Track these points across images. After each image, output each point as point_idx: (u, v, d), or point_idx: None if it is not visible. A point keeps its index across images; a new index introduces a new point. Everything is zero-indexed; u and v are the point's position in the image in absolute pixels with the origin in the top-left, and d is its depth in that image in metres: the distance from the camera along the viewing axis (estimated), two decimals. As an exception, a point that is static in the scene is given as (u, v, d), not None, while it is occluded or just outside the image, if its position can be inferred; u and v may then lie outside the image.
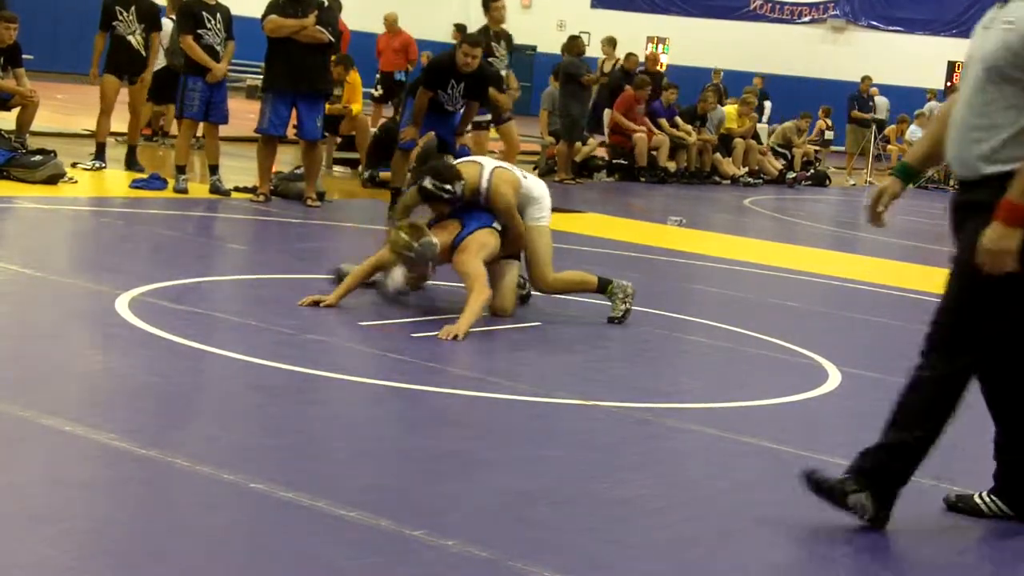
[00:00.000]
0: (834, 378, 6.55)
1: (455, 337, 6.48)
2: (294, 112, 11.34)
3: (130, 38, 12.37)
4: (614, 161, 18.25)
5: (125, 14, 12.32)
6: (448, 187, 7.20)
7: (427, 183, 7.24)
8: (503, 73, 13.28)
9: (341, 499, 4.00)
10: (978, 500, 4.55)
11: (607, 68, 19.85)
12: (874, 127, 24.14)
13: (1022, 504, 4.50)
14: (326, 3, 11.26)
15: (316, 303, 6.88)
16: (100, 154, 12.51)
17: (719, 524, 4.28)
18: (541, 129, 18.43)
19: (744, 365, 6.92)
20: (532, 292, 7.72)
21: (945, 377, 4.25)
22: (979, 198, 4.11)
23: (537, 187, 7.63)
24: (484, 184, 7.35)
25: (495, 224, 7.28)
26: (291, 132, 11.74)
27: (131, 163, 12.53)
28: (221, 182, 11.58)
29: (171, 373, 5.46)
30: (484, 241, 7.13)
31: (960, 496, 4.59)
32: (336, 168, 15.36)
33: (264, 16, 11.18)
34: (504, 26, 13.75)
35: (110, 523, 3.73)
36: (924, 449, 4.31)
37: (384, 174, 13.19)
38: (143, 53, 12.47)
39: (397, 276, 7.10)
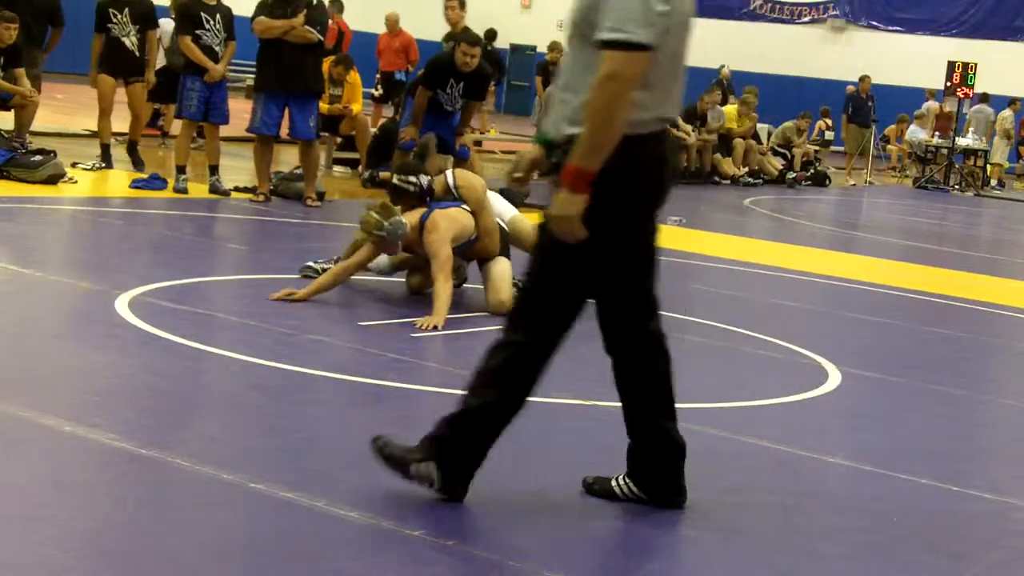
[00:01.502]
0: (834, 378, 6.55)
1: (435, 328, 6.65)
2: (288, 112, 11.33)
3: (124, 39, 12.34)
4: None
5: (119, 16, 12.31)
6: (412, 179, 7.40)
7: (393, 179, 7.57)
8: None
9: (341, 499, 4.00)
10: (614, 484, 4.35)
11: None
12: (874, 127, 24.16)
13: (652, 487, 4.31)
14: (315, 2, 11.26)
15: (288, 296, 6.98)
16: (105, 156, 12.52)
17: (719, 524, 4.28)
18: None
19: (744, 365, 6.92)
20: None
21: (525, 344, 4.11)
22: (562, 161, 3.95)
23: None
24: (451, 180, 7.59)
25: (465, 207, 7.40)
26: (286, 133, 11.73)
27: (133, 157, 12.51)
28: (221, 182, 11.58)
29: (171, 373, 5.45)
30: (454, 216, 7.25)
31: (597, 479, 4.38)
32: (336, 168, 15.35)
33: (253, 17, 11.19)
34: (463, 28, 12.88)
35: (110, 523, 3.73)
36: (499, 417, 4.10)
37: (384, 174, 13.18)
38: (137, 54, 12.44)
39: (383, 260, 7.56)
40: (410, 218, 7.16)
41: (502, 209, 7.81)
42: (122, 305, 6.47)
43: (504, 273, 7.40)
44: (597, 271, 4.05)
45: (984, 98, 25.41)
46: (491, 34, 23.61)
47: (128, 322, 6.17)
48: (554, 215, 3.88)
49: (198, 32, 11.38)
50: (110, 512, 3.84)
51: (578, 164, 3.80)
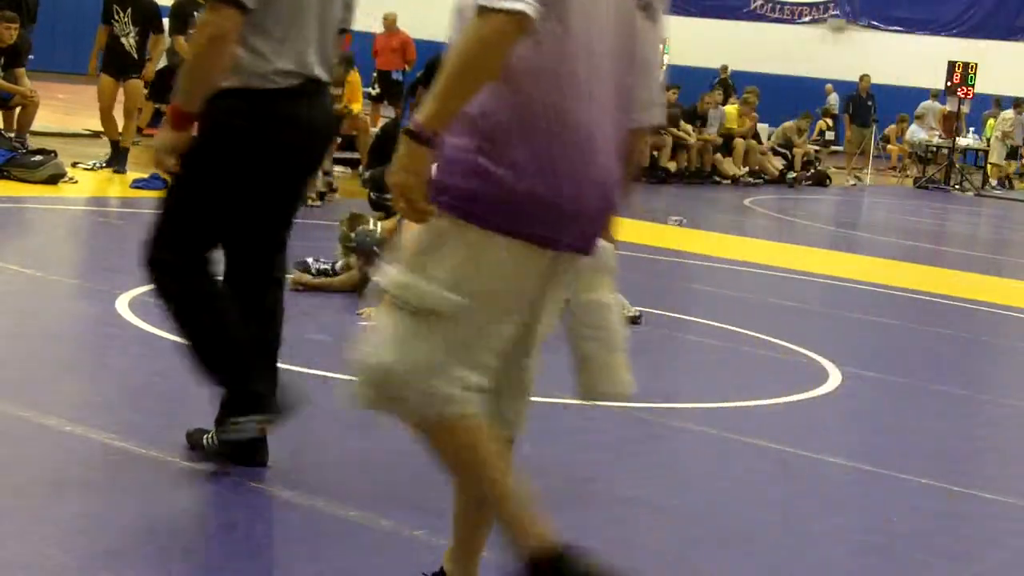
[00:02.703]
0: (834, 378, 6.55)
1: None
2: None
3: (123, 39, 12.24)
4: (614, 161, 18.27)
5: (121, 14, 12.22)
6: (388, 195, 7.45)
7: (371, 195, 7.60)
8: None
9: (341, 499, 4.00)
10: (204, 439, 4.31)
11: None
12: (874, 127, 24.15)
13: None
14: None
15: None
16: (115, 151, 12.38)
17: (719, 524, 4.28)
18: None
19: (744, 365, 6.92)
20: None
21: (171, 277, 4.15)
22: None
23: None
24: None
25: None
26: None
27: (119, 164, 12.36)
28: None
29: (171, 373, 5.44)
30: None
31: (196, 430, 4.35)
32: (336, 168, 15.33)
33: None
34: None
35: (110, 523, 3.73)
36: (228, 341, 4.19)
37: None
38: (135, 55, 12.29)
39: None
40: (388, 222, 7.32)
41: None
42: (122, 305, 6.46)
43: None
44: (214, 210, 4.11)
45: (1018, 103, 25.34)
46: None
47: (128, 322, 6.17)
48: (156, 146, 4.04)
49: (191, 32, 11.37)
50: (110, 512, 3.84)
51: (177, 103, 3.98)
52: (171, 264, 4.11)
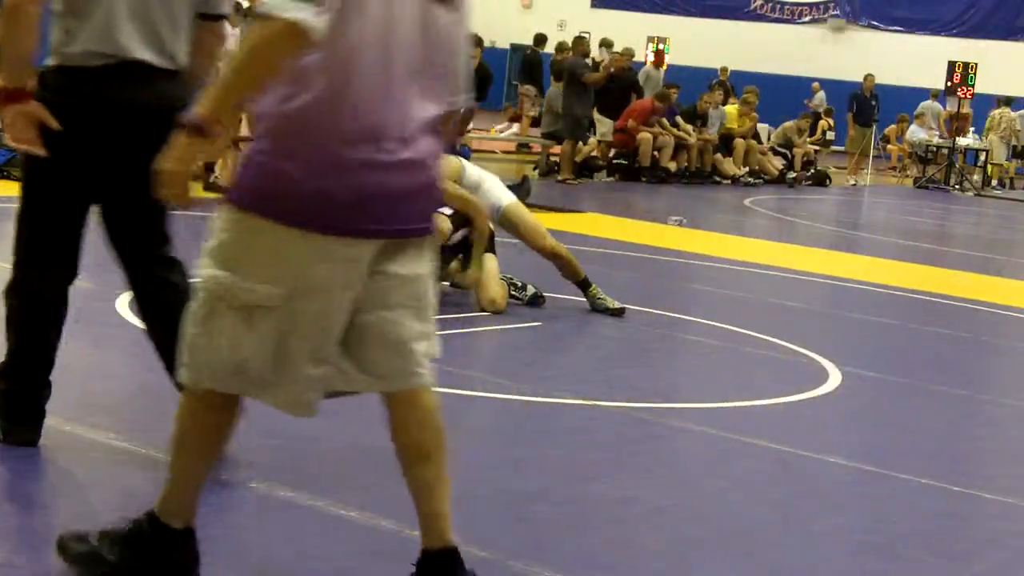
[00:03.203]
0: (834, 378, 6.55)
1: None
2: None
3: None
4: (614, 161, 18.26)
5: None
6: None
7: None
8: None
9: (341, 499, 4.00)
10: None
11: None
12: (875, 127, 24.16)
13: None
14: None
15: None
16: None
17: (719, 524, 4.28)
18: (542, 129, 18.48)
19: (744, 365, 6.92)
20: (544, 295, 7.69)
21: (20, 283, 4.34)
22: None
23: (476, 173, 7.84)
24: None
25: (442, 210, 7.35)
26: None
27: None
28: (219, 180, 11.56)
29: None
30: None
31: None
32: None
33: None
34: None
35: (110, 523, 3.72)
36: (32, 356, 4.40)
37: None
38: None
39: None
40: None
41: (500, 194, 7.77)
42: (122, 305, 6.46)
43: (492, 271, 7.41)
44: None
45: (1008, 101, 25.38)
46: (539, 39, 23.16)
47: (128, 322, 6.17)
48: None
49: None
50: (110, 512, 3.83)
51: (3, 83, 3.94)
52: (16, 277, 4.30)
